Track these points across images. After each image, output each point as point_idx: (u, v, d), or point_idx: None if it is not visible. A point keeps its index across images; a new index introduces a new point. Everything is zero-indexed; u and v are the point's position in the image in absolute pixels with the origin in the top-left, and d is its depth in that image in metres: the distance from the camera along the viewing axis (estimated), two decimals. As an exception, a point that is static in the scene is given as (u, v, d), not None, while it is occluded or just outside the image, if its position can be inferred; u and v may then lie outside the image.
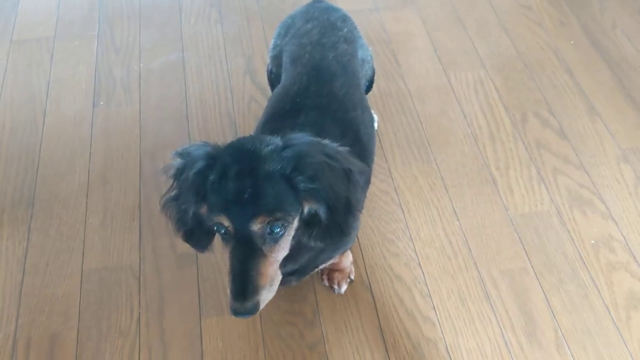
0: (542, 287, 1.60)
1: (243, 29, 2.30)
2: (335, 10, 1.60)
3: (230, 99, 2.06)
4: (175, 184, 1.12)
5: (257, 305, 1.03)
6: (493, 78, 2.11)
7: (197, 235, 1.15)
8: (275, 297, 1.56)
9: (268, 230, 1.02)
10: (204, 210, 1.06)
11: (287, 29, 1.59)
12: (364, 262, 1.65)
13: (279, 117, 1.38)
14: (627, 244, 1.68)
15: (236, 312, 1.02)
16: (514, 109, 2.01)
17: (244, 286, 1.01)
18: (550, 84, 2.10)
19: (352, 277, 1.60)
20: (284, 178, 1.02)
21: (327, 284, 1.59)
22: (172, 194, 1.13)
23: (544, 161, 1.87)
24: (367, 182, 1.38)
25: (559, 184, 1.81)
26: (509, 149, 1.90)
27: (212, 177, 1.03)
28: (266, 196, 1.00)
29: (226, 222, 1.02)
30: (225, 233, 1.04)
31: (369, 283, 1.61)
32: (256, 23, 2.32)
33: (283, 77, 1.49)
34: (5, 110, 2.04)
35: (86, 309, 1.58)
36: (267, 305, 1.54)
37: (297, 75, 1.42)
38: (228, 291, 1.04)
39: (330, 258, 1.36)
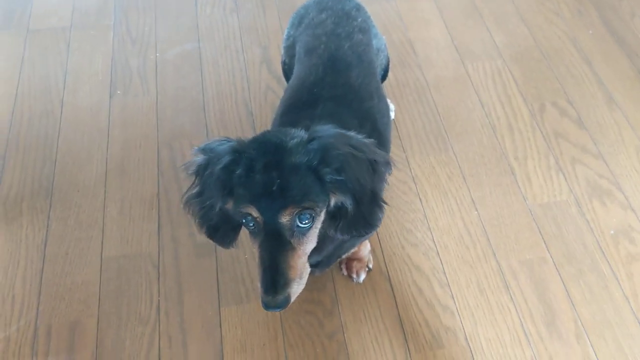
0: (561, 278, 1.59)
1: (259, 17, 2.29)
2: None
3: (246, 88, 2.06)
4: (197, 180, 1.11)
5: (288, 298, 1.03)
6: (511, 68, 2.09)
7: (222, 230, 1.15)
8: (294, 286, 1.57)
9: (297, 222, 1.02)
10: (229, 205, 1.06)
11: (300, 19, 1.57)
12: (382, 251, 1.65)
13: (296, 109, 1.38)
14: (647, 235, 1.67)
15: (268, 306, 1.02)
16: (532, 99, 2.00)
17: (275, 280, 1.01)
18: (568, 73, 2.08)
19: (371, 266, 1.60)
20: (310, 170, 1.01)
21: (345, 273, 1.59)
22: (195, 190, 1.12)
23: (562, 151, 1.86)
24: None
25: (578, 174, 1.80)
26: (527, 138, 1.89)
27: (238, 171, 1.02)
28: (294, 188, 1.00)
29: (255, 214, 1.01)
30: (254, 226, 1.04)
31: (388, 272, 1.61)
32: (272, 11, 2.31)
33: (297, 67, 1.48)
34: (23, 100, 2.04)
35: (106, 296, 1.59)
36: (286, 294, 1.55)
37: (313, 66, 1.41)
38: (259, 285, 1.04)
39: (353, 247, 1.36)
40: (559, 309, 1.54)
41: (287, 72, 1.65)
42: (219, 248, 1.65)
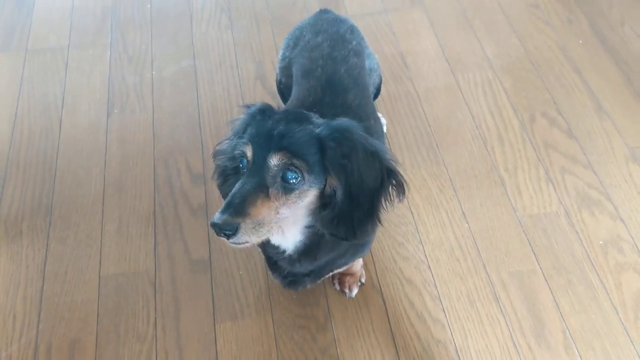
0: (550, 289, 1.62)
1: (253, 34, 2.33)
2: (342, 21, 1.62)
3: (241, 104, 2.09)
4: (231, 134, 1.17)
5: (236, 226, 1.00)
6: (501, 78, 2.12)
7: (230, 182, 1.17)
8: (287, 300, 1.61)
9: (281, 174, 1.04)
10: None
11: (295, 41, 1.61)
12: (374, 265, 1.68)
13: None
14: (636, 245, 1.69)
15: (214, 223, 1.00)
16: (522, 109, 2.03)
17: (233, 204, 1.01)
18: (558, 83, 2.11)
19: (363, 280, 1.63)
20: (317, 139, 1.05)
21: (338, 288, 1.62)
22: (225, 143, 1.18)
23: (552, 161, 1.89)
24: None
25: (567, 185, 1.83)
26: (517, 150, 1.92)
27: (258, 117, 1.10)
28: (293, 139, 1.04)
29: (249, 151, 1.05)
30: (244, 168, 1.07)
31: (380, 286, 1.64)
32: (265, 28, 2.35)
33: (294, 89, 1.52)
34: (22, 119, 2.09)
35: (104, 314, 1.62)
36: (279, 308, 1.59)
37: (311, 87, 1.45)
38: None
39: (346, 264, 1.39)
40: (548, 319, 1.57)
41: (283, 91, 1.69)
42: (214, 263, 1.69)
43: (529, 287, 1.62)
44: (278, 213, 1.06)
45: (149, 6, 2.45)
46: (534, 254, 1.69)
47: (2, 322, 1.61)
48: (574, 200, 1.79)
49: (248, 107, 1.16)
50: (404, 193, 1.14)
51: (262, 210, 1.03)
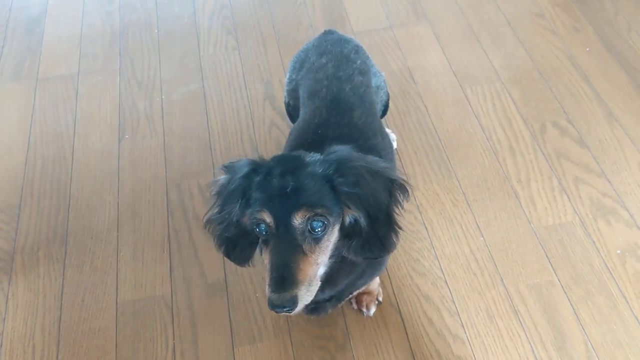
0: (569, 300, 1.61)
1: (260, 54, 2.34)
2: (347, 41, 1.63)
3: (251, 125, 2.10)
4: (218, 200, 1.15)
5: (294, 299, 1.02)
6: (509, 90, 2.12)
7: (239, 247, 1.17)
8: (305, 322, 1.60)
9: (309, 227, 1.04)
10: (246, 219, 1.09)
11: (301, 63, 1.62)
12: (391, 283, 1.67)
13: (302, 150, 1.41)
14: (654, 252, 1.68)
15: (274, 305, 1.01)
16: (532, 120, 2.02)
17: (282, 278, 1.02)
18: (567, 92, 2.10)
19: (380, 299, 1.63)
20: (325, 179, 1.06)
21: (355, 307, 1.61)
22: (216, 210, 1.16)
23: (565, 171, 1.88)
24: None
25: (582, 194, 1.82)
26: (529, 160, 1.91)
27: (257, 179, 1.08)
28: (308, 191, 1.03)
29: (268, 218, 1.04)
30: (266, 232, 1.06)
31: (397, 304, 1.63)
32: (272, 47, 2.36)
33: (302, 111, 1.52)
34: (35, 148, 2.10)
35: (123, 341, 1.62)
36: (297, 329, 1.59)
37: (317, 108, 1.45)
38: (267, 286, 1.04)
39: (365, 283, 1.38)
40: (569, 332, 1.55)
41: (292, 113, 1.70)
42: (230, 286, 1.69)
43: (547, 299, 1.61)
44: (317, 264, 1.08)
45: (156, 31, 2.48)
46: (551, 265, 1.67)
47: (22, 352, 1.61)
48: (589, 209, 1.78)
49: (228, 167, 1.14)
50: (408, 193, 1.16)
51: (307, 270, 1.04)
